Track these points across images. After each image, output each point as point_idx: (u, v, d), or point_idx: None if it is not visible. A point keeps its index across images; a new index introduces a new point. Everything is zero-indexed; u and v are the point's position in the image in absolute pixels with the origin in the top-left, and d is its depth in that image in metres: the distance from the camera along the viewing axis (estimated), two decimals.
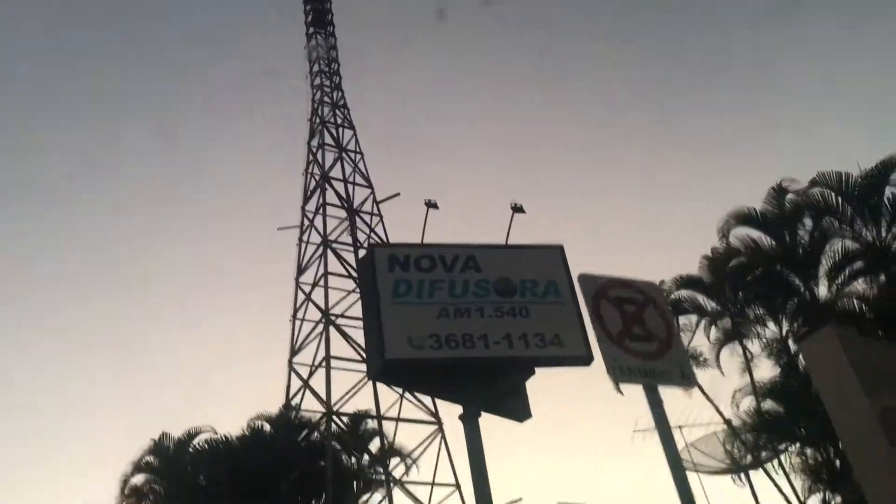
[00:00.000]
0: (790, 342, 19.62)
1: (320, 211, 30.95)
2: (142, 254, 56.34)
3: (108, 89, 59.26)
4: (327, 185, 31.65)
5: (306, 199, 32.16)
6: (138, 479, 23.21)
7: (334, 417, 24.87)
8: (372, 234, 30.59)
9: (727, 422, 19.68)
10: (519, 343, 7.61)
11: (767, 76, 56.75)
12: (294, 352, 28.12)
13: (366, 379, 24.64)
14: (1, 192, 57.29)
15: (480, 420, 7.35)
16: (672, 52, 60.63)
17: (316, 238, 30.37)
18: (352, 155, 33.37)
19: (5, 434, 50.74)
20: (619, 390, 19.86)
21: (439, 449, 25.63)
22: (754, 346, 20.24)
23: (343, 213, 31.11)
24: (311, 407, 25.86)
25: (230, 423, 32.39)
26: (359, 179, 32.73)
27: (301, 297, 29.27)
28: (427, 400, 25.62)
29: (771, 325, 20.04)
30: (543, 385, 8.25)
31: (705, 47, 59.84)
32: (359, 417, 25.55)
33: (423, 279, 7.87)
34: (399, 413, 25.77)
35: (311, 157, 33.20)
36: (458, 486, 24.94)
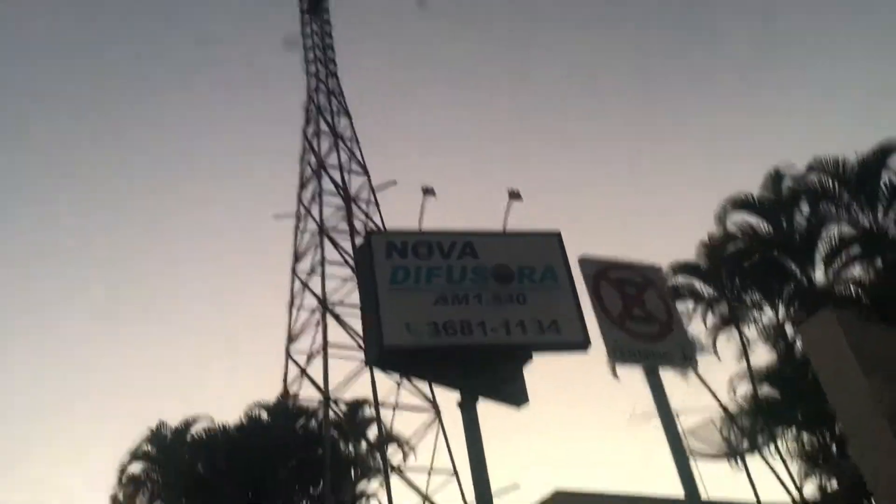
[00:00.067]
0: (787, 327, 19.66)
1: (316, 199, 30.86)
2: (138, 242, 56.25)
3: (98, 74, 58.92)
4: (323, 173, 31.53)
5: (302, 187, 32.06)
6: (135, 467, 23.25)
7: (332, 405, 24.88)
8: (369, 222, 30.52)
9: (724, 407, 19.74)
10: (516, 329, 7.62)
11: (766, 62, 56.64)
12: (291, 340, 28.10)
13: (363, 367, 24.63)
14: None
15: (478, 407, 7.36)
16: (669, 36, 60.46)
17: (312, 226, 30.30)
18: (348, 142, 33.25)
19: (1, 423, 50.77)
20: (615, 375, 19.92)
21: (437, 436, 25.66)
22: (751, 331, 20.28)
23: (339, 201, 31.01)
24: (308, 395, 25.90)
25: (228, 411, 32.38)
26: (355, 167, 32.60)
27: (298, 285, 29.25)
28: (425, 387, 25.62)
29: (768, 310, 20.07)
30: (541, 371, 8.25)
31: (703, 31, 59.69)
32: (356, 405, 25.57)
33: (421, 266, 7.86)
34: (397, 400, 25.78)
35: (306, 145, 33.09)
36: (455, 472, 24.99)
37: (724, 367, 20.53)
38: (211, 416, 23.49)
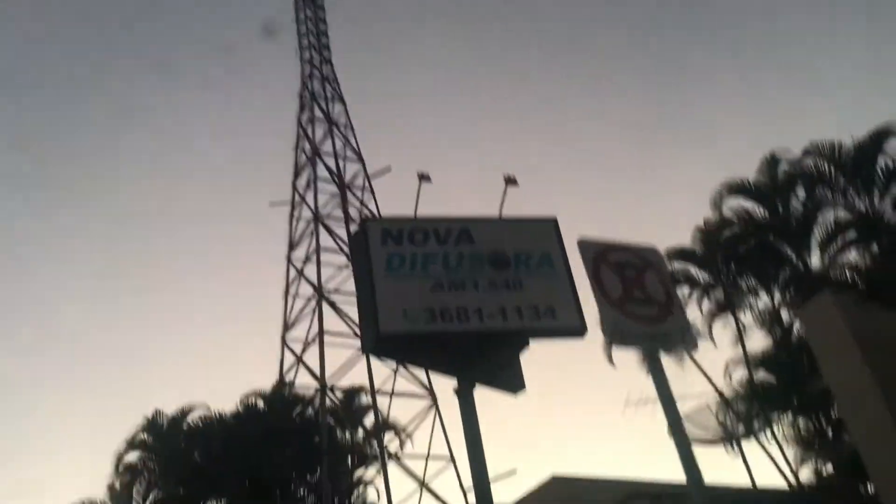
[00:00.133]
0: (783, 313, 19.67)
1: (311, 186, 30.74)
2: (133, 232, 56.07)
3: (93, 62, 58.55)
4: (318, 160, 31.40)
5: (297, 175, 31.91)
6: (132, 456, 23.20)
7: (328, 393, 24.88)
8: (364, 209, 30.43)
9: (720, 393, 19.78)
10: (513, 315, 7.58)
11: (764, 47, 56.49)
12: (287, 328, 28.08)
13: (359, 354, 24.61)
14: None
15: (475, 393, 7.34)
16: (667, 21, 60.28)
17: (307, 214, 30.22)
18: (342, 129, 33.09)
19: None
20: (611, 361, 19.97)
21: (434, 423, 25.73)
22: (747, 317, 20.30)
23: (334, 188, 30.91)
24: (305, 383, 25.91)
25: (224, 400, 32.35)
26: (350, 154, 32.48)
27: (293, 273, 29.19)
28: (421, 374, 25.66)
29: (763, 295, 20.08)
30: (538, 357, 8.22)
31: (702, 16, 59.47)
32: (353, 392, 25.57)
33: (417, 252, 7.81)
34: (393, 388, 25.82)
35: (301, 132, 32.92)
36: (452, 459, 25.06)
37: (720, 353, 20.60)
38: (207, 405, 23.48)
